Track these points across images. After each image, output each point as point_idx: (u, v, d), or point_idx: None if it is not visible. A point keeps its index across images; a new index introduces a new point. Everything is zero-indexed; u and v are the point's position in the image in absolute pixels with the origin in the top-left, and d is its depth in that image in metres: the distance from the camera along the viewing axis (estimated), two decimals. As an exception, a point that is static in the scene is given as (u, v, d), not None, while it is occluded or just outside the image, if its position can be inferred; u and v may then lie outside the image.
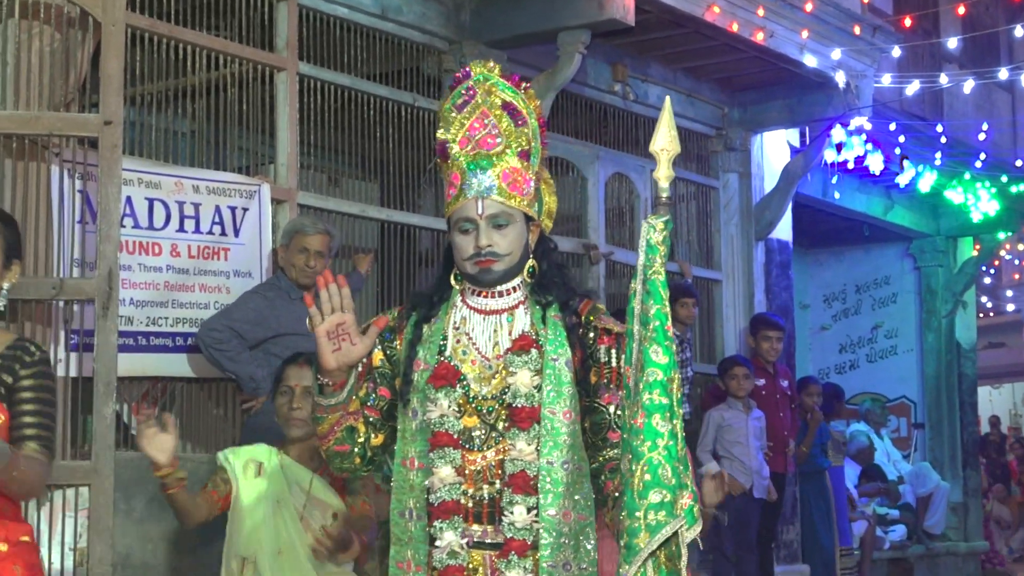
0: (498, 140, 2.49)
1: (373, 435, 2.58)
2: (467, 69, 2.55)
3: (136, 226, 5.01)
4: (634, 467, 2.21)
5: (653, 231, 2.27)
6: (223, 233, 5.28)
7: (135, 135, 5.27)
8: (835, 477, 8.45)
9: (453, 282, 2.58)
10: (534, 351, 2.47)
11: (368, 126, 6.14)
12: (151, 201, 5.07)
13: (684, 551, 2.21)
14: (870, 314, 11.55)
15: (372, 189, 6.83)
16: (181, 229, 5.16)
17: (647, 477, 2.19)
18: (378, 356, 2.59)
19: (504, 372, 2.48)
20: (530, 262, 2.56)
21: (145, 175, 5.06)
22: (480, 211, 2.48)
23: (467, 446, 2.47)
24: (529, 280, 2.56)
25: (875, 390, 11.24)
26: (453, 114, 2.53)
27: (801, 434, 7.90)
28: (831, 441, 8.41)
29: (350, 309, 2.44)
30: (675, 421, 2.22)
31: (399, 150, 6.25)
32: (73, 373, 4.40)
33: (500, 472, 2.45)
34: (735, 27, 6.98)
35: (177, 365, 5.17)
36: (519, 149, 2.51)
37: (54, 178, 4.55)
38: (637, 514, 2.20)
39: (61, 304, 4.45)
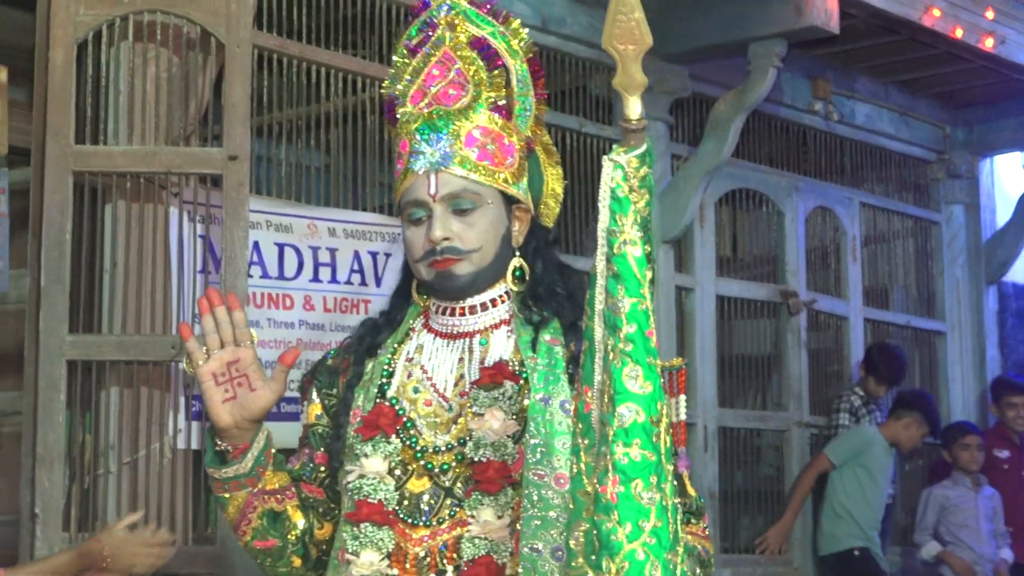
0: (462, 91, 2.00)
1: (317, 524, 2.04)
2: None
3: (264, 275, 4.93)
4: (606, 564, 1.54)
5: (620, 173, 1.57)
6: (363, 283, 5.17)
7: (263, 171, 5.23)
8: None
9: (415, 296, 2.08)
10: (509, 384, 1.93)
11: (528, 156, 5.97)
12: (281, 247, 5.00)
13: None
14: None
15: (533, 228, 6.67)
16: (315, 279, 5.07)
17: None
18: (314, 410, 2.08)
19: (469, 415, 1.94)
20: (516, 262, 2.03)
21: (274, 217, 5.00)
22: (433, 189, 1.97)
23: (410, 520, 1.93)
24: (517, 288, 2.03)
25: None
26: (405, 60, 2.04)
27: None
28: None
29: (247, 341, 1.92)
30: (664, 485, 1.55)
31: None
32: (195, 445, 4.36)
33: (456, 556, 1.91)
34: (959, 33, 6.71)
35: (311, 435, 5.10)
36: (492, 102, 2.00)
37: (172, 222, 4.49)
38: None
39: (181, 366, 4.26)
